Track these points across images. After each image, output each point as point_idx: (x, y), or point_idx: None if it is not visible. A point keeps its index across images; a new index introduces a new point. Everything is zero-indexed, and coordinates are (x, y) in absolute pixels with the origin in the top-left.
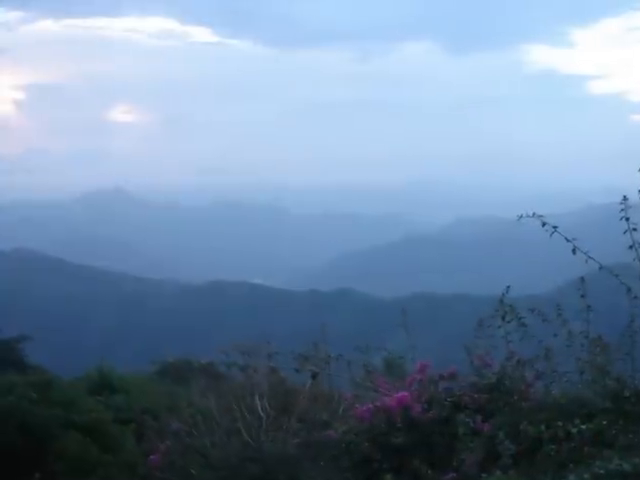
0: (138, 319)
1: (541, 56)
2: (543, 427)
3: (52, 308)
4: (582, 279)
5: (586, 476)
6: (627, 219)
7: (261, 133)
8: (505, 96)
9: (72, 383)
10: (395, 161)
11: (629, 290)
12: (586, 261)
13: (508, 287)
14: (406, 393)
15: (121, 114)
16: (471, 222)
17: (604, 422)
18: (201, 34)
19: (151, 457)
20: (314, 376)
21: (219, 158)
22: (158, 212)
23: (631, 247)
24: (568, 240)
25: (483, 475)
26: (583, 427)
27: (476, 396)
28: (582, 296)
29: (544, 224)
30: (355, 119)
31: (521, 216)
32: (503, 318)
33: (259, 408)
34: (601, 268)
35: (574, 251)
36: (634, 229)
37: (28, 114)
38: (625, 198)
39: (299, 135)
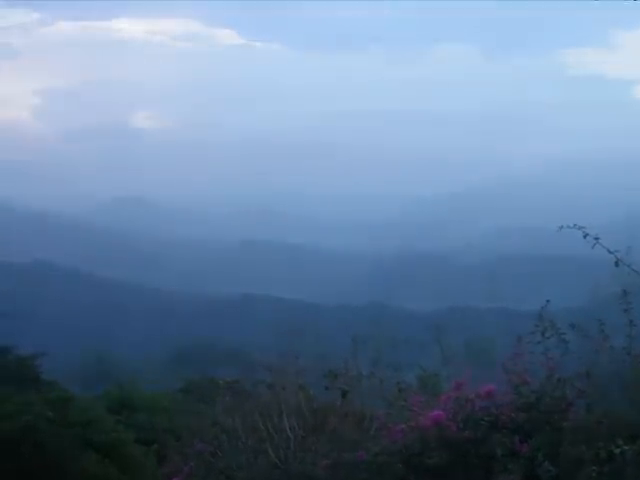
0: (161, 334)
1: (586, 60)
2: (584, 448)
3: (72, 322)
4: (625, 292)
5: None
6: None
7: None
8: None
9: (91, 401)
10: (433, 169)
11: None
12: (628, 274)
13: (548, 301)
14: (441, 412)
15: (143, 120)
16: (511, 232)
17: None
18: (227, 36)
19: (173, 479)
20: (344, 394)
21: (246, 166)
22: (183, 223)
23: None
24: (610, 252)
25: None
26: (626, 448)
27: (514, 415)
28: (625, 310)
29: (585, 235)
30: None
31: (562, 227)
32: (543, 334)
33: (287, 428)
34: None
35: (617, 263)
36: None
37: (44, 120)
38: None
39: (329, 142)
